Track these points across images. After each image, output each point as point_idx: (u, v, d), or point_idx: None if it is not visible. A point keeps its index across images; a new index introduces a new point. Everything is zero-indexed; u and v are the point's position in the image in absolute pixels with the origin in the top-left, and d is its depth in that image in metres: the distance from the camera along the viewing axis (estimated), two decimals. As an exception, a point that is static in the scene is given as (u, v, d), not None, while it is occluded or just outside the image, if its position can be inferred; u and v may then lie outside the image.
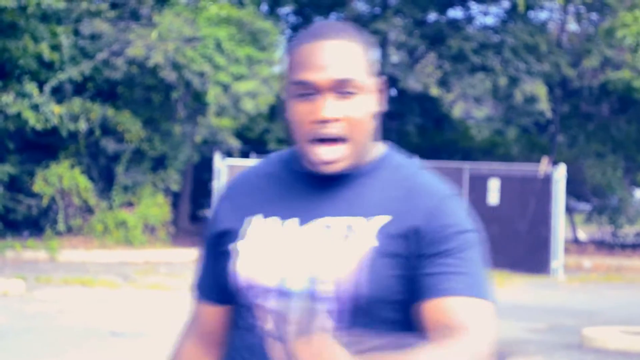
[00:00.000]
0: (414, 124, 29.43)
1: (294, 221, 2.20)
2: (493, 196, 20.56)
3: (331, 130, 2.12)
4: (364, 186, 2.20)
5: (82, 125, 19.62)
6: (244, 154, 24.67)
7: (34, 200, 20.01)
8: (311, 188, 2.23)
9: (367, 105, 2.16)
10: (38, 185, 19.62)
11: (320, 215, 2.18)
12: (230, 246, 2.24)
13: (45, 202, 19.75)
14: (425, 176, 2.24)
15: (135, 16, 21.29)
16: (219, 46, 20.79)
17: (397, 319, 2.17)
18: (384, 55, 29.64)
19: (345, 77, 2.12)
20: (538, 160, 21.93)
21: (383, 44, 29.22)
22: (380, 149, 2.28)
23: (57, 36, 19.49)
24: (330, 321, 2.13)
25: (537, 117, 29.21)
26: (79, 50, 20.54)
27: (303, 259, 2.16)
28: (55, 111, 18.54)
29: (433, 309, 2.10)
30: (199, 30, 20.49)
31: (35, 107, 18.33)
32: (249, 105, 21.12)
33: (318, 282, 2.13)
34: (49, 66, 19.64)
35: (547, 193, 19.75)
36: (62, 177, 19.74)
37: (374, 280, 2.11)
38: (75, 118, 19.82)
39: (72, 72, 19.71)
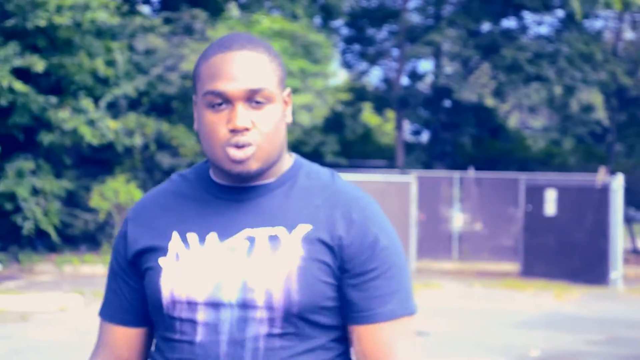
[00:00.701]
0: (469, 134, 29.28)
1: (213, 235, 2.22)
2: (550, 207, 20.37)
3: (243, 138, 2.16)
4: (282, 196, 2.24)
5: (138, 140, 19.75)
6: (299, 167, 24.69)
7: (90, 215, 20.17)
8: (226, 202, 2.25)
9: (275, 114, 2.20)
10: (95, 200, 19.77)
11: (240, 227, 2.21)
12: (149, 264, 2.25)
13: (101, 216, 19.90)
14: (342, 184, 2.29)
15: (188, 31, 21.42)
16: (272, 60, 20.81)
17: (330, 324, 2.22)
18: (438, 66, 29.56)
19: (255, 87, 2.16)
20: (595, 170, 21.69)
21: (437, 55, 29.14)
22: (291, 159, 2.32)
23: (112, 52, 19.66)
24: (263, 328, 2.16)
25: (593, 126, 28.95)
26: (133, 65, 20.69)
27: (231, 271, 2.17)
28: (111, 126, 18.67)
29: (363, 336, 2.21)
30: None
31: (91, 123, 18.48)
32: (304, 119, 21.12)
33: (249, 292, 2.15)
34: (104, 82, 19.81)
35: (605, 203, 19.52)
36: (118, 191, 19.87)
37: (304, 287, 2.15)
38: (130, 133, 19.97)
39: (127, 88, 19.85)
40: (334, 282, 2.20)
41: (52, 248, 19.43)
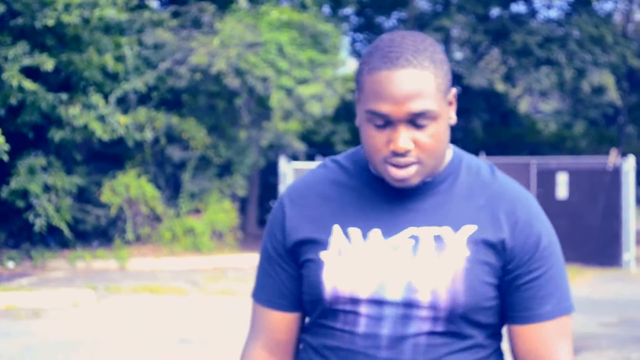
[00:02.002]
0: (480, 120, 29.25)
1: (376, 232, 2.22)
2: (562, 190, 20.33)
3: (404, 160, 2.16)
4: (444, 194, 2.25)
5: (148, 135, 19.77)
6: (310, 157, 24.71)
7: (102, 210, 20.21)
8: (388, 197, 2.26)
9: (439, 131, 2.19)
10: (106, 196, 19.81)
11: (405, 226, 2.22)
12: (310, 256, 2.26)
13: (113, 211, 19.93)
14: (503, 180, 2.31)
15: (197, 24, 21.42)
16: (281, 50, 20.81)
17: (489, 323, 2.26)
18: (448, 52, 29.48)
19: (419, 110, 2.14)
20: (607, 153, 21.64)
21: (446, 41, 29.07)
22: (449, 151, 2.33)
23: (121, 47, 19.68)
24: (425, 326, 2.19)
25: (605, 108, 28.88)
26: (142, 60, 20.70)
27: (396, 270, 2.19)
28: (121, 121, 18.69)
29: (521, 335, 2.26)
30: (261, 36, 20.53)
31: (102, 118, 18.50)
32: (315, 109, 21.10)
33: (414, 292, 2.17)
34: (114, 77, 19.82)
35: (617, 185, 19.46)
36: (129, 186, 19.90)
37: (469, 288, 2.18)
38: (140, 128, 19.99)
39: (137, 83, 19.86)
40: (496, 282, 2.23)
41: (64, 244, 19.48)
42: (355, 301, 2.21)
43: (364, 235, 2.23)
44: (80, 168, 20.04)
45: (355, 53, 31.80)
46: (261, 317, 2.41)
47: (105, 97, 19.33)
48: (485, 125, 29.93)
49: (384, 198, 2.26)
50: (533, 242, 2.24)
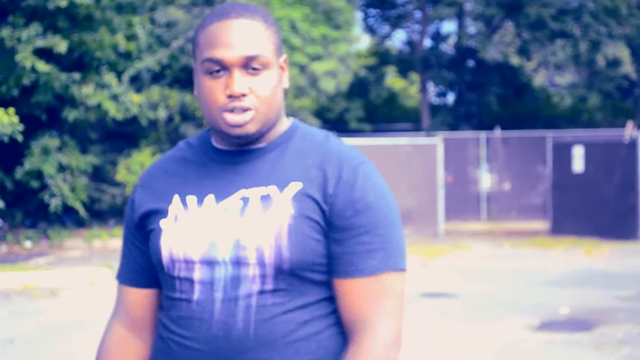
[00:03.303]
0: (495, 94, 29.14)
1: (210, 197, 2.29)
2: (578, 163, 20.25)
3: (240, 103, 2.23)
4: (276, 158, 2.31)
5: (162, 113, 19.77)
6: (324, 134, 24.67)
7: (117, 189, 20.24)
8: (225, 165, 2.34)
9: (272, 80, 2.27)
10: (121, 174, 19.82)
11: (236, 189, 2.29)
12: (152, 226, 2.34)
13: (128, 190, 19.95)
14: (336, 143, 2.35)
15: (208, 1, 21.37)
16: (293, 27, 20.77)
17: (322, 281, 2.27)
18: (461, 27, 29.37)
19: (252, 54, 2.23)
20: (623, 125, 21.55)
21: (460, 15, 28.94)
22: (287, 123, 2.40)
23: (133, 26, 19.64)
24: (255, 285, 2.21)
25: (620, 81, 28.72)
26: (155, 38, 20.69)
27: (225, 230, 2.24)
28: (134, 100, 18.68)
29: (346, 291, 2.25)
30: (273, 12, 20.48)
31: (115, 97, 18.50)
32: (329, 85, 21.06)
33: (241, 250, 2.21)
34: (127, 56, 19.82)
35: (633, 158, 19.36)
36: (144, 165, 19.90)
37: (294, 243, 2.21)
38: (154, 106, 19.99)
39: (149, 61, 19.85)
40: (322, 239, 2.25)
41: (80, 223, 19.53)
42: (189, 264, 2.26)
43: (199, 201, 2.30)
44: (95, 147, 20.06)
45: (369, 29, 31.69)
46: (121, 295, 2.48)
47: (119, 76, 19.33)
48: (500, 99, 29.82)
49: (220, 166, 2.33)
50: (356, 198, 2.24)
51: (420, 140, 22.48)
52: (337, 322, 2.31)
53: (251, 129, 2.25)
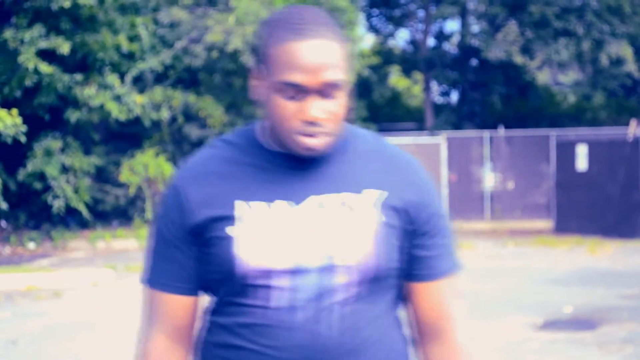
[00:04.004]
0: (498, 93, 29.09)
1: (281, 203, 2.23)
2: (581, 162, 20.23)
3: (316, 129, 2.18)
4: (341, 161, 2.28)
5: (165, 114, 19.77)
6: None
7: (121, 190, 20.25)
8: (285, 169, 2.27)
9: (344, 99, 2.23)
10: (124, 175, 19.83)
11: (307, 194, 2.23)
12: (215, 234, 2.23)
13: (132, 191, 19.96)
14: (391, 146, 2.37)
15: (212, 2, 21.37)
16: (296, 27, 20.74)
17: (393, 285, 2.31)
18: (464, 26, 29.34)
19: (330, 80, 2.16)
20: (627, 124, 21.51)
21: (463, 14, 28.91)
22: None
23: (136, 27, 19.65)
24: (340, 294, 2.20)
25: (623, 79, 28.69)
26: (158, 39, 20.69)
27: (308, 238, 2.20)
28: (137, 101, 18.68)
29: (423, 292, 2.33)
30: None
31: (118, 98, 18.50)
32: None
33: (328, 258, 2.19)
34: (130, 57, 19.83)
35: (637, 156, 19.33)
36: (148, 165, 19.92)
37: (381, 251, 2.23)
38: (157, 107, 20.00)
39: (153, 62, 19.86)
40: (400, 244, 2.28)
41: (84, 224, 19.54)
42: (269, 273, 2.19)
43: (270, 207, 2.23)
44: (98, 148, 20.07)
45: (372, 28, 31.67)
46: (158, 302, 2.35)
47: (122, 77, 19.33)
48: (504, 98, 29.78)
49: (282, 170, 2.27)
50: (430, 202, 2.32)
51: (423, 139, 22.48)
52: (399, 325, 2.37)
53: (323, 150, 2.21)
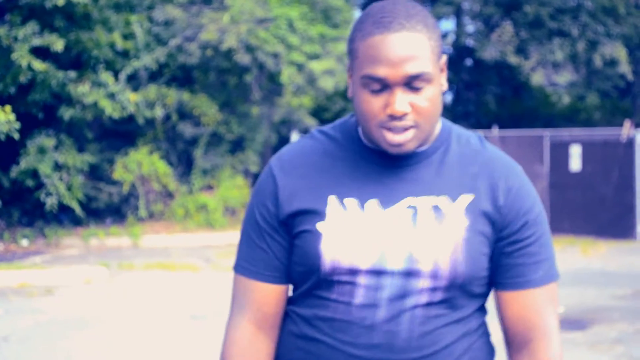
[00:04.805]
0: (492, 93, 29.12)
1: (373, 203, 2.21)
2: (575, 162, 20.26)
3: (401, 123, 2.16)
4: (438, 163, 2.25)
5: (159, 112, 19.77)
6: (322, 133, 24.65)
7: (114, 187, 20.24)
8: (382, 168, 2.25)
9: (434, 94, 2.19)
10: (118, 173, 19.83)
11: (401, 196, 2.21)
12: (306, 227, 2.23)
13: (125, 189, 19.95)
14: (492, 150, 2.32)
15: (207, 0, 21.36)
16: (291, 26, 20.75)
17: (481, 293, 2.29)
18: (459, 25, 29.35)
19: (415, 72, 2.14)
20: (620, 124, 21.53)
21: (457, 14, 28.93)
22: (440, 123, 2.33)
23: (131, 24, 19.65)
24: (423, 297, 2.19)
25: (617, 80, 28.72)
26: (153, 37, 20.69)
27: (396, 240, 2.18)
28: (131, 99, 18.67)
29: (513, 301, 2.27)
30: (271, 11, 20.48)
31: (112, 96, 18.49)
32: (327, 84, 21.04)
33: (414, 262, 2.17)
34: (124, 54, 19.82)
35: (631, 157, 19.36)
36: (142, 163, 19.91)
37: (469, 258, 2.19)
38: (151, 105, 19.99)
39: (147, 60, 19.85)
40: (489, 252, 2.25)
41: (77, 222, 19.52)
42: (354, 272, 2.19)
43: (361, 206, 2.21)
44: (91, 146, 20.06)
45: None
46: (248, 290, 2.35)
47: (116, 74, 19.32)
48: (498, 98, 29.81)
49: (378, 168, 2.25)
50: (526, 209, 2.25)
51: (417, 139, 22.45)
52: (486, 333, 2.35)
53: (411, 146, 2.19)
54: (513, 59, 29.54)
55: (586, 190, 19.95)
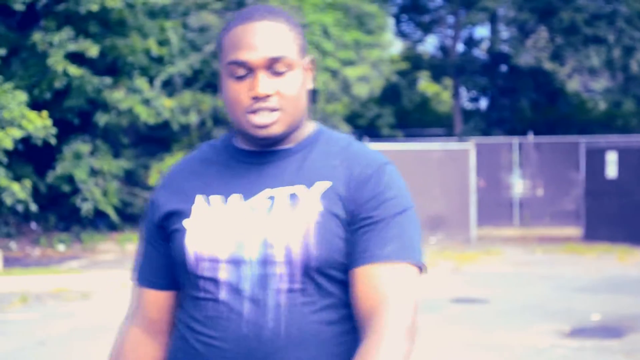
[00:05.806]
0: (528, 99, 29.00)
1: (236, 197, 2.28)
2: (611, 169, 20.12)
3: (265, 104, 2.23)
4: (303, 159, 2.31)
5: (193, 118, 19.84)
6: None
7: (150, 193, 20.33)
8: (250, 165, 2.33)
9: (297, 81, 2.27)
10: (153, 178, 19.91)
11: (262, 188, 2.28)
12: (175, 227, 2.33)
13: (161, 194, 20.02)
14: (359, 146, 2.36)
15: (241, 6, 21.41)
16: (325, 32, 20.78)
17: (344, 280, 2.25)
18: (494, 32, 29.28)
19: (276, 55, 2.24)
20: (657, 131, 21.36)
21: (493, 20, 28.87)
22: (312, 126, 2.40)
23: (165, 31, 19.73)
24: (283, 284, 2.21)
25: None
26: (187, 43, 20.76)
27: (252, 229, 2.23)
28: (166, 105, 18.76)
29: (359, 278, 2.19)
30: (305, 17, 20.50)
31: (147, 102, 18.58)
32: (361, 90, 21.05)
33: (269, 248, 2.21)
34: (159, 61, 19.91)
35: (667, 163, 19.22)
36: (176, 169, 19.98)
37: (323, 241, 2.20)
38: (186, 111, 20.06)
39: (182, 66, 19.93)
40: (345, 236, 2.24)
41: (113, 227, 19.63)
42: (214, 263, 2.24)
43: (224, 201, 2.29)
44: (127, 151, 20.16)
45: (401, 34, 31.66)
46: (137, 296, 2.46)
47: (151, 80, 19.41)
48: (533, 104, 29.69)
49: (245, 166, 2.33)
50: (378, 191, 2.24)
51: (452, 145, 22.42)
52: (352, 318, 2.29)
53: (277, 130, 2.25)
54: (548, 65, 29.45)
55: (622, 198, 19.81)
